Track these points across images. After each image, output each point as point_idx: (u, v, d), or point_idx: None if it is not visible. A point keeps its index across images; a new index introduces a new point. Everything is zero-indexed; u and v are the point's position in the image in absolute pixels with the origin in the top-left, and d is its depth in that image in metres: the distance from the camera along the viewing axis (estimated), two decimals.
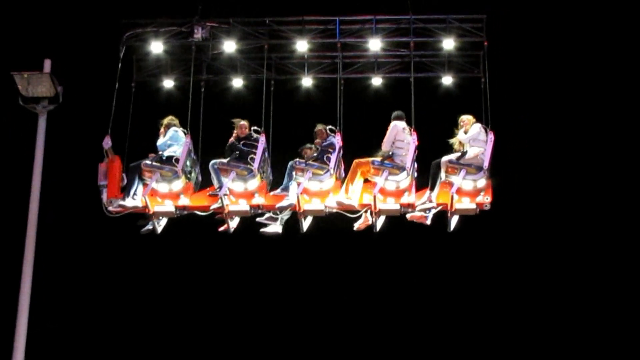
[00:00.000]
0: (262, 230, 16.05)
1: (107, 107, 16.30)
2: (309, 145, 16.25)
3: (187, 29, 17.18)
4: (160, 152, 15.99)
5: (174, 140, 16.02)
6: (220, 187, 15.66)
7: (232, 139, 16.16)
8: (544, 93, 22.41)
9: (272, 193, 15.99)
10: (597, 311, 22.84)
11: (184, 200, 15.90)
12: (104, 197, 15.88)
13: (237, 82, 18.31)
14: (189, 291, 23.26)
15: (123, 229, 16.90)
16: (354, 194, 15.58)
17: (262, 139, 15.74)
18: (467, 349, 23.26)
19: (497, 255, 22.87)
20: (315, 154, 15.85)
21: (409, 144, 15.42)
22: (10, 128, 20.74)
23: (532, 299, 23.09)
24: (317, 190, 15.60)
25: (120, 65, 16.79)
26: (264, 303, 23.40)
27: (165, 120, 16.29)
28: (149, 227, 16.16)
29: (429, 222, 15.61)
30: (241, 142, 16.00)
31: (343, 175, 15.81)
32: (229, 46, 17.42)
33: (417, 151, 15.37)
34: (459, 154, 15.58)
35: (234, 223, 16.23)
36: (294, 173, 15.65)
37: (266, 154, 15.88)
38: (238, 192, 15.74)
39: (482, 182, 15.35)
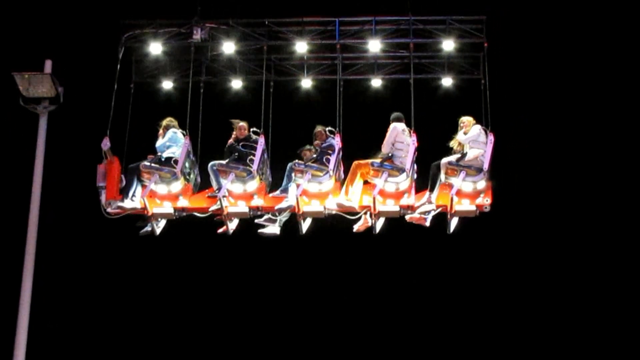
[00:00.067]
0: (260, 231, 16.03)
1: (108, 108, 16.28)
2: (308, 146, 16.22)
3: (186, 30, 17.16)
4: (159, 154, 15.95)
5: (172, 141, 15.99)
6: (219, 189, 15.62)
7: (231, 140, 16.13)
8: (544, 94, 22.38)
9: (271, 195, 15.96)
10: (598, 312, 22.80)
11: (183, 202, 15.86)
12: (103, 198, 15.84)
13: (237, 83, 18.28)
14: (188, 293, 23.22)
15: (122, 231, 16.84)
16: (353, 196, 15.54)
17: (261, 140, 15.70)
18: (467, 350, 23.23)
19: (497, 257, 22.84)
20: (314, 156, 15.81)
21: (408, 146, 15.39)
22: (11, 128, 20.71)
23: (532, 301, 23.06)
24: (316, 191, 15.57)
25: (119, 66, 16.77)
26: (264, 305, 23.37)
27: (164, 122, 16.26)
28: (148, 228, 16.14)
29: (428, 223, 15.57)
30: (240, 144, 15.96)
31: (342, 176, 15.78)
32: (228, 47, 17.39)
33: (416, 153, 15.34)
34: (458, 155, 15.55)
35: (233, 225, 16.21)
36: (293, 174, 15.61)
37: (265, 156, 15.85)
38: (237, 194, 15.71)
39: (481, 184, 15.32)
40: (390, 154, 15.55)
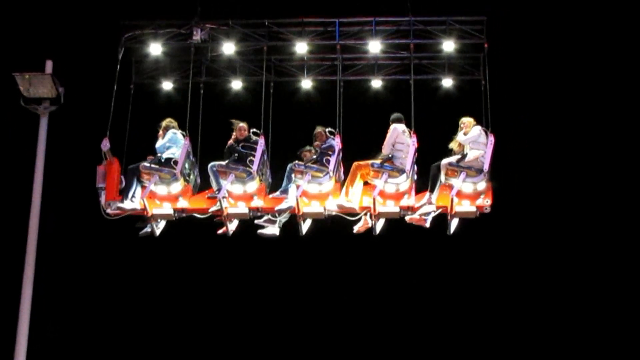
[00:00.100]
0: (259, 231, 16.01)
1: (108, 109, 16.27)
2: (308, 147, 16.21)
3: (186, 30, 17.14)
4: (158, 155, 15.94)
5: (172, 142, 15.97)
6: (219, 190, 15.60)
7: (231, 141, 16.11)
8: (544, 95, 22.36)
9: (271, 195, 15.93)
10: (598, 314, 22.77)
11: (183, 203, 15.84)
12: (102, 199, 15.82)
13: (236, 84, 18.26)
14: (188, 294, 23.19)
15: (121, 232, 16.82)
16: (354, 197, 15.53)
17: (261, 141, 15.67)
18: (467, 351, 23.20)
19: (497, 258, 22.81)
20: (314, 157, 15.80)
21: (408, 147, 15.38)
22: (12, 129, 20.70)
23: (533, 302, 23.03)
24: (316, 192, 15.55)
25: (119, 67, 16.75)
26: (264, 306, 23.34)
27: (164, 123, 16.25)
28: (148, 229, 16.13)
29: (428, 224, 15.54)
30: (240, 145, 15.94)
31: (342, 177, 15.76)
32: (228, 48, 17.37)
33: (416, 154, 15.32)
34: (459, 156, 15.54)
35: (232, 226, 16.20)
36: (293, 175, 15.60)
37: (265, 156, 15.82)
38: (237, 195, 15.68)
39: (482, 185, 15.30)
40: (390, 155, 15.53)
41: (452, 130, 15.85)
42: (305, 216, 15.76)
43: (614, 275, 22.74)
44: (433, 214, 15.51)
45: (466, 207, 15.42)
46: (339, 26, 17.06)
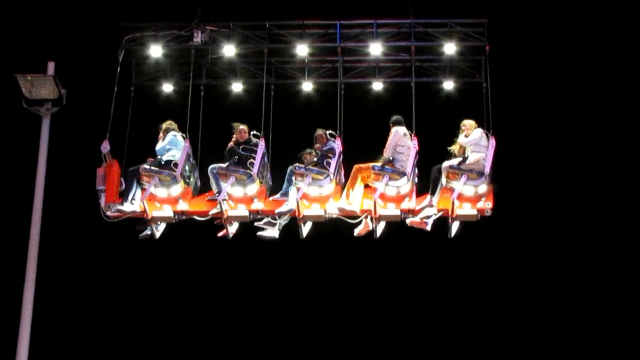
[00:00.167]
0: (259, 233, 15.95)
1: (109, 111, 16.22)
2: (309, 150, 16.18)
3: (187, 32, 17.12)
4: (158, 157, 15.91)
5: (172, 144, 15.94)
6: (219, 192, 15.57)
7: (231, 144, 16.08)
8: (545, 98, 22.33)
9: (271, 198, 15.91)
10: (600, 317, 22.73)
11: (183, 205, 15.81)
12: (102, 201, 15.79)
13: (237, 87, 18.22)
14: (188, 297, 23.17)
15: (121, 234, 16.77)
16: (354, 200, 15.48)
17: (262, 143, 15.63)
18: (468, 354, 23.16)
19: (498, 262, 22.77)
20: (315, 159, 15.76)
21: (409, 149, 15.33)
22: (14, 130, 20.71)
23: (534, 306, 23.00)
24: (316, 195, 15.51)
25: (119, 69, 16.73)
26: (264, 310, 23.31)
27: (164, 125, 16.22)
28: (148, 232, 16.10)
29: (429, 227, 15.50)
30: (240, 147, 15.91)
31: (343, 180, 15.72)
32: (229, 50, 17.35)
33: (417, 156, 15.28)
34: (460, 159, 15.49)
35: (233, 228, 16.17)
36: (293, 178, 15.57)
37: (265, 159, 15.79)
38: (237, 197, 15.64)
39: (483, 188, 15.25)
40: (391, 158, 15.49)
41: (453, 133, 15.80)
42: (305, 219, 15.73)
43: (615, 278, 22.70)
44: (434, 217, 15.47)
45: (467, 210, 15.39)
46: (339, 28, 17.05)
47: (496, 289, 22.94)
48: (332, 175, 15.35)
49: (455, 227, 15.68)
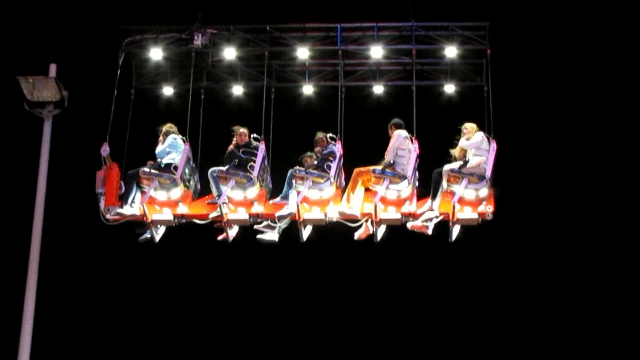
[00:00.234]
0: (258, 237, 15.90)
1: (110, 114, 16.19)
2: (309, 153, 16.16)
3: (187, 35, 17.10)
4: (158, 160, 15.88)
5: (172, 147, 15.91)
6: (219, 195, 15.53)
7: (231, 147, 16.05)
8: (547, 101, 22.31)
9: (271, 201, 15.90)
10: (601, 319, 22.69)
11: (183, 209, 15.78)
12: (102, 204, 15.75)
13: (237, 90, 18.19)
14: (188, 300, 23.15)
15: (121, 237, 16.74)
16: (355, 203, 15.43)
17: (262, 146, 15.61)
18: (469, 358, 23.10)
19: (499, 266, 22.73)
20: (315, 162, 15.74)
21: (410, 153, 15.29)
22: (16, 132, 20.75)
23: (535, 310, 22.96)
24: (317, 198, 15.47)
25: (119, 71, 16.71)
26: (264, 313, 23.29)
27: (164, 128, 16.20)
28: (147, 235, 16.06)
29: (430, 231, 15.44)
30: (241, 150, 15.88)
31: (343, 183, 15.67)
32: (229, 53, 17.32)
33: (418, 160, 15.23)
34: (460, 162, 15.45)
35: (233, 232, 16.13)
36: (293, 181, 15.53)
37: (266, 162, 15.77)
38: (237, 201, 15.61)
39: (484, 192, 15.20)
40: (391, 161, 15.44)
41: (454, 136, 15.76)
42: (305, 222, 15.68)
43: (617, 281, 22.66)
44: (435, 221, 15.42)
45: (468, 214, 15.34)
46: (340, 31, 17.05)
47: (497, 293, 22.90)
48: (332, 179, 15.31)
49: (456, 231, 15.63)
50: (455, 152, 15.71)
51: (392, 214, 15.44)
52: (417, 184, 15.41)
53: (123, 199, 15.74)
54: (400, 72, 17.84)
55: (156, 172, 15.57)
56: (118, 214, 15.68)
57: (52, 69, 16.89)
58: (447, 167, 15.40)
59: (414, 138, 15.35)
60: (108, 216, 15.72)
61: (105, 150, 15.68)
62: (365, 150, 16.41)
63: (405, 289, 23.16)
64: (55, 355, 21.51)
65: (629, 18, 21.65)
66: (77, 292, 22.80)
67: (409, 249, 20.47)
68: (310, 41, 17.19)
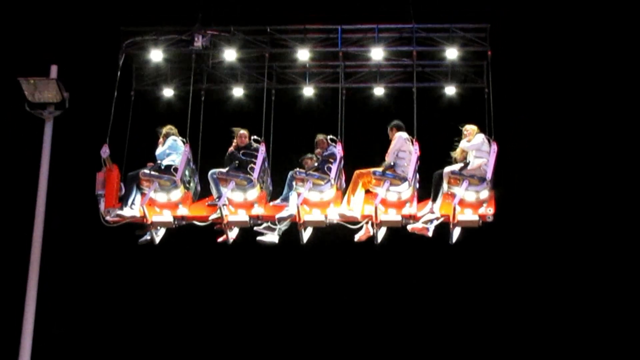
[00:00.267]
0: (258, 238, 15.88)
1: (110, 115, 16.18)
2: (309, 155, 16.14)
3: (188, 37, 17.08)
4: (158, 161, 15.85)
5: (172, 149, 15.88)
6: (219, 197, 15.49)
7: (231, 149, 16.03)
8: (548, 103, 22.29)
9: (271, 203, 15.84)
10: (602, 322, 22.67)
11: (183, 210, 15.73)
12: (102, 206, 15.71)
13: (238, 91, 18.17)
14: (188, 303, 23.13)
15: (121, 239, 16.71)
16: (355, 205, 15.41)
17: (262, 148, 15.57)
18: None
19: (500, 268, 22.70)
20: (316, 164, 15.71)
21: (410, 154, 15.26)
22: (17, 133, 20.76)
23: (536, 312, 22.93)
24: (317, 200, 15.43)
25: (119, 73, 16.68)
26: (264, 315, 23.26)
27: (164, 129, 16.17)
28: (147, 237, 16.03)
29: (430, 233, 15.41)
30: (241, 152, 15.85)
31: (344, 185, 15.64)
32: (230, 55, 17.30)
33: (419, 162, 15.20)
34: (461, 164, 15.42)
35: (233, 234, 16.09)
36: (294, 183, 15.49)
37: (266, 164, 15.72)
38: (237, 202, 15.57)
39: (485, 194, 15.16)
40: (392, 163, 15.42)
41: (455, 138, 15.73)
42: (306, 224, 15.65)
43: (618, 283, 22.63)
44: (435, 223, 15.39)
45: (469, 216, 15.29)
46: (341, 33, 17.02)
47: (498, 295, 22.87)
48: (332, 181, 15.28)
49: (456, 233, 15.60)
50: (455, 154, 15.69)
51: (393, 216, 15.38)
52: (417, 186, 15.37)
53: (123, 201, 15.68)
54: (400, 74, 17.83)
55: (156, 173, 15.53)
56: (118, 215, 15.63)
57: (53, 70, 16.91)
58: (447, 169, 15.36)
59: (414, 140, 15.32)
60: (108, 218, 15.67)
61: (105, 151, 15.65)
62: (365, 152, 16.39)
63: (406, 291, 23.13)
64: (56, 356, 21.49)
65: (629, 20, 21.62)
66: (78, 293, 22.79)
67: (409, 251, 20.44)
68: (310, 43, 17.15)
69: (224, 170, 15.63)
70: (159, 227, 16.00)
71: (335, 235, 16.04)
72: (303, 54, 17.21)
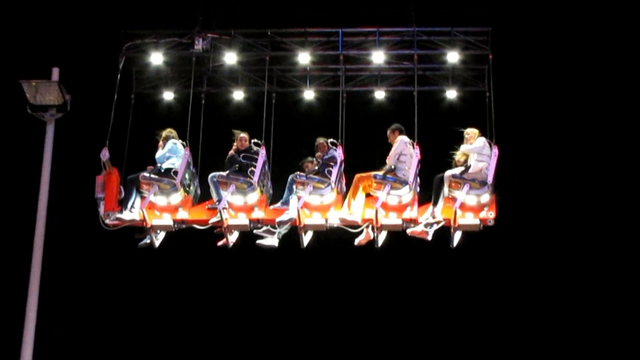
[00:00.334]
0: (258, 242, 15.82)
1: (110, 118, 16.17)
2: (310, 158, 16.12)
3: (188, 40, 17.06)
4: (158, 165, 15.84)
5: (172, 152, 15.87)
6: (219, 201, 15.48)
7: (231, 152, 16.01)
8: (549, 107, 22.27)
9: (272, 207, 15.83)
10: (602, 325, 22.64)
11: (183, 214, 15.72)
12: (101, 209, 15.69)
13: (238, 95, 18.14)
14: (188, 306, 23.12)
15: (120, 243, 16.68)
16: (356, 209, 15.37)
17: (263, 151, 15.55)
18: None
19: (501, 272, 22.67)
20: (316, 168, 15.68)
21: (411, 158, 15.22)
22: (19, 136, 20.79)
23: (537, 316, 22.91)
24: (317, 204, 15.42)
25: (119, 76, 16.66)
26: (264, 319, 23.24)
27: (164, 133, 16.17)
28: (147, 240, 16.03)
29: (430, 237, 15.38)
30: (241, 155, 15.83)
31: (344, 189, 15.62)
32: (230, 58, 17.26)
33: (419, 165, 15.17)
34: (462, 168, 15.38)
35: (233, 237, 16.09)
36: (294, 187, 15.48)
37: (266, 167, 15.70)
38: (237, 206, 15.55)
39: (485, 198, 15.13)
40: (393, 167, 15.39)
41: (456, 142, 15.70)
42: (306, 228, 15.64)
43: (619, 285, 22.59)
44: (436, 227, 15.35)
45: (469, 220, 15.28)
46: (342, 36, 16.98)
47: (498, 299, 22.85)
48: (333, 184, 15.25)
49: (457, 237, 15.58)
50: (457, 157, 15.65)
51: (393, 219, 15.38)
52: (418, 189, 15.34)
53: (123, 204, 15.68)
54: (401, 78, 17.80)
55: (156, 177, 15.52)
56: (117, 219, 15.62)
57: (55, 72, 16.97)
58: (448, 173, 15.33)
59: (415, 143, 15.29)
60: (107, 221, 15.67)
61: (104, 155, 15.64)
62: (366, 156, 16.39)
63: (407, 295, 23.11)
64: (57, 357, 21.47)
65: (630, 23, 21.60)
66: (78, 295, 22.78)
67: (410, 255, 20.41)
68: (311, 46, 17.12)
69: (224, 173, 15.62)
70: (158, 231, 16.00)
71: (335, 239, 15.99)
72: (304, 57, 17.17)
